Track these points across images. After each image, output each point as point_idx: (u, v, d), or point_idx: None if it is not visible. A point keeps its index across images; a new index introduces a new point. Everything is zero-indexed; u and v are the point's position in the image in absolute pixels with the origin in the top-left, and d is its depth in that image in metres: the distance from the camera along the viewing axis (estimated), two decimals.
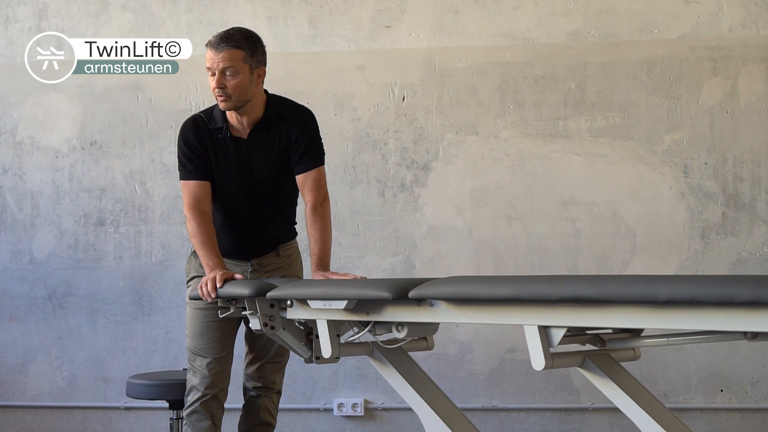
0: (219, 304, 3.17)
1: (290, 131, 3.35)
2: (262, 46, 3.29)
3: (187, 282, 3.51)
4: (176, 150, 3.41)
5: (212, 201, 3.37)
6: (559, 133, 4.68)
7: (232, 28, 3.27)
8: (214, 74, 3.22)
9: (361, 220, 4.73)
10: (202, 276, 3.39)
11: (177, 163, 3.41)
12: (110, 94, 4.89)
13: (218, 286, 3.10)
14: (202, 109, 4.71)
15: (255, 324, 3.02)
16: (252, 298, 2.99)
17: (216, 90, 3.23)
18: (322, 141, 3.46)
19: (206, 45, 3.24)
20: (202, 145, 3.34)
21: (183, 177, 3.37)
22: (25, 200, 4.93)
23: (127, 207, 4.88)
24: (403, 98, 4.75)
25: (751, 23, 4.58)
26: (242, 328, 3.52)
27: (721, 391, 4.61)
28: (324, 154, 3.43)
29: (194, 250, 3.42)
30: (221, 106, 3.28)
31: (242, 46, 3.21)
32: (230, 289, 3.09)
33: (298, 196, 3.50)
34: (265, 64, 3.31)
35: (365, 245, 4.73)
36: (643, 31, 4.64)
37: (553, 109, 4.68)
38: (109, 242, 4.88)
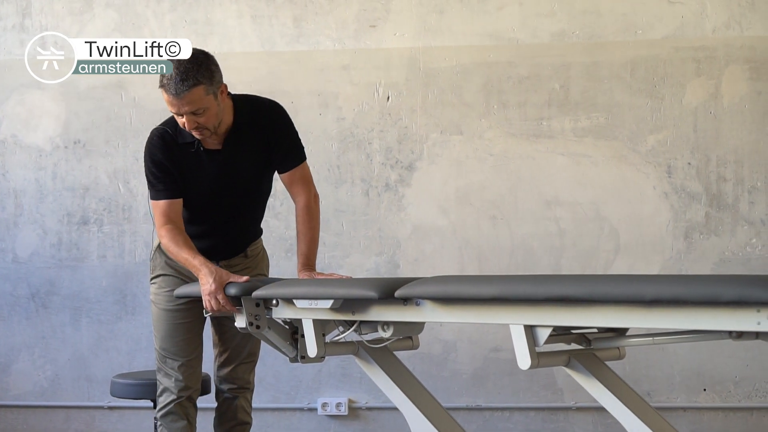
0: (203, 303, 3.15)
1: (267, 132, 3.25)
2: (215, 63, 3.08)
3: (152, 279, 3.45)
4: (144, 165, 3.26)
5: (185, 211, 3.28)
6: (543, 133, 4.69)
7: (180, 62, 3.02)
8: (180, 115, 3.05)
9: (346, 220, 4.73)
10: (167, 275, 3.36)
11: (146, 182, 3.27)
12: (94, 92, 4.87)
13: (221, 301, 3.02)
14: None
15: (240, 323, 3.01)
16: (238, 297, 2.99)
17: (191, 131, 3.08)
18: (306, 139, 3.43)
19: (161, 87, 3.03)
20: (171, 162, 3.20)
21: (153, 197, 3.23)
22: (8, 199, 4.91)
23: (111, 206, 4.86)
24: (388, 98, 4.75)
25: (734, 24, 4.61)
26: (207, 332, 3.49)
27: (704, 390, 4.63)
28: (303, 147, 3.37)
29: (158, 247, 3.39)
30: (199, 137, 3.14)
31: (201, 80, 3.00)
32: None
33: (269, 195, 3.48)
34: (222, 79, 3.12)
35: (349, 245, 4.73)
36: (627, 31, 4.66)
37: (537, 109, 4.69)
38: (92, 241, 4.87)
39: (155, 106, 4.82)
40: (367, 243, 4.74)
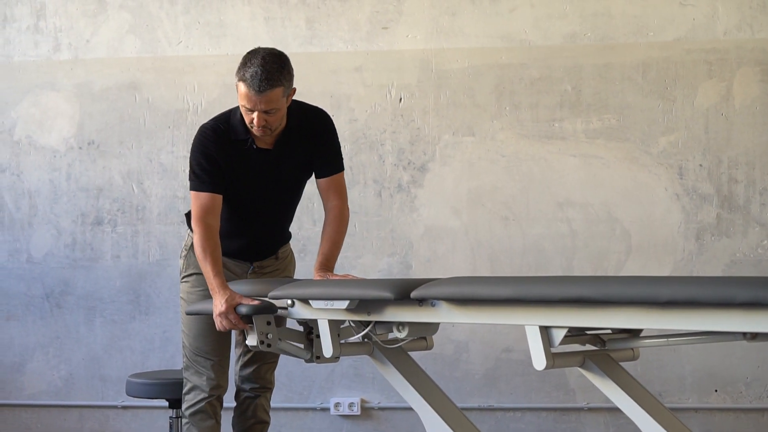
0: None
1: (315, 138, 3.31)
2: (291, 67, 3.15)
3: (184, 278, 3.48)
4: (189, 158, 3.27)
5: (225, 207, 3.29)
6: (555, 135, 4.71)
7: (266, 59, 3.06)
8: (251, 110, 3.08)
9: (358, 221, 4.75)
10: (201, 273, 3.37)
11: (189, 172, 3.27)
12: (107, 94, 4.90)
13: (233, 320, 3.06)
14: (199, 109, 4.78)
15: (251, 341, 3.04)
16: (249, 316, 3.02)
17: (257, 128, 3.11)
18: None
19: (241, 81, 3.05)
20: (222, 157, 3.23)
21: (195, 188, 3.24)
22: (22, 199, 4.94)
23: (125, 206, 4.89)
24: (400, 99, 4.77)
25: (746, 26, 4.62)
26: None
27: (716, 391, 4.64)
28: (343, 157, 3.43)
29: (192, 245, 3.42)
30: (259, 134, 3.17)
31: (282, 82, 3.07)
32: None
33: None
34: (293, 83, 3.18)
35: (362, 245, 4.75)
36: (638, 33, 4.67)
37: (549, 110, 4.71)
38: (106, 241, 4.90)
39: (168, 107, 4.86)
40: (379, 244, 4.76)
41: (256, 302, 3.04)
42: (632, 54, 4.67)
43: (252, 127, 3.14)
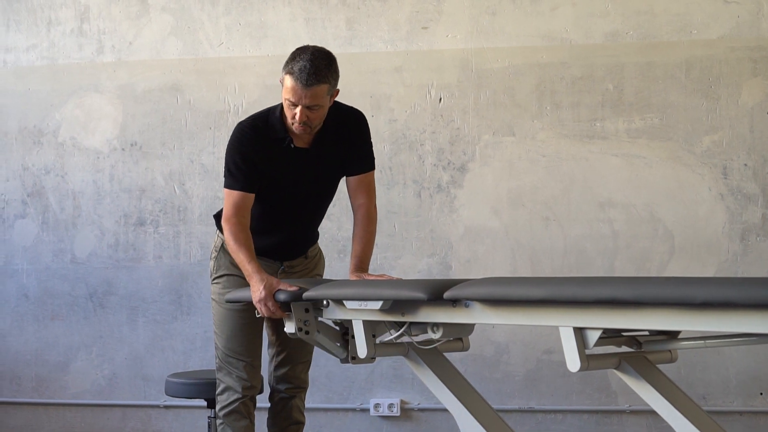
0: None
1: (351, 137, 3.31)
2: (338, 67, 3.15)
3: (214, 279, 3.49)
4: (225, 154, 3.27)
5: (258, 204, 3.30)
6: (596, 134, 4.66)
7: (315, 55, 3.06)
8: (295, 105, 3.08)
9: (398, 221, 4.74)
10: (232, 275, 3.38)
11: (224, 169, 3.27)
12: (150, 95, 4.95)
13: (272, 308, 3.06)
14: (240, 110, 4.80)
15: (290, 328, 3.04)
16: (287, 303, 3.02)
17: (298, 124, 3.11)
18: None
19: (289, 74, 3.06)
20: (259, 155, 3.22)
21: (229, 185, 3.24)
22: (66, 200, 5.00)
23: (167, 207, 4.93)
24: (440, 99, 4.75)
25: None
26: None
27: (761, 394, 4.57)
28: (374, 158, 3.43)
29: (222, 246, 3.43)
30: (298, 132, 3.17)
31: (329, 79, 3.07)
32: None
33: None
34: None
35: (402, 246, 4.75)
36: (681, 31, 4.61)
37: (590, 110, 4.66)
38: (148, 242, 4.94)
39: (210, 109, 4.89)
40: (419, 244, 4.74)
41: (294, 288, 3.04)
42: (675, 52, 4.61)
43: (293, 123, 3.13)
